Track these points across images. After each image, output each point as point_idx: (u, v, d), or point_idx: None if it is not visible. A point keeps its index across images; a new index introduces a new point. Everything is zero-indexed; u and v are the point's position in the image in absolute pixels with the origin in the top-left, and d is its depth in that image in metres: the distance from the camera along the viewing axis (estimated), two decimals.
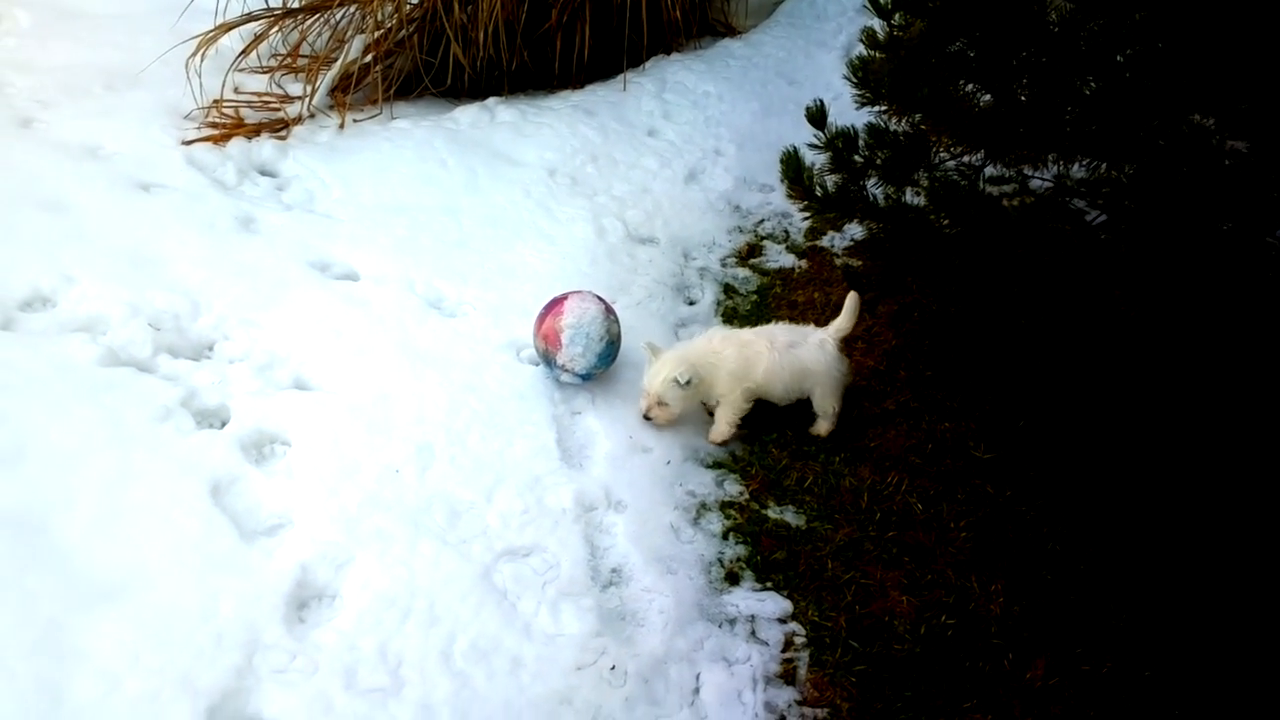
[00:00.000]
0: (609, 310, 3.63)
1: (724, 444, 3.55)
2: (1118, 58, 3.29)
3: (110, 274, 3.63)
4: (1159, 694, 2.79)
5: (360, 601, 2.76)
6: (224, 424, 3.21)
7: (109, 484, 2.90)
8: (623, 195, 4.85)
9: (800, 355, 3.51)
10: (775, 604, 3.01)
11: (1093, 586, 3.08)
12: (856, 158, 3.68)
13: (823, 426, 3.59)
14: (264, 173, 4.56)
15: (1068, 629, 2.95)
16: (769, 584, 3.09)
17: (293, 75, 5.23)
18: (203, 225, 4.02)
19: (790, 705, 2.75)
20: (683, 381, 3.39)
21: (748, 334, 3.61)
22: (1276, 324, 3.10)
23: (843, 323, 3.57)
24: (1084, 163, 3.39)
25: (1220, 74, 3.06)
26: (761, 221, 4.92)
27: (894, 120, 3.64)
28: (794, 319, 4.14)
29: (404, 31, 5.16)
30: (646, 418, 3.50)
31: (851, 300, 3.55)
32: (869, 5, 3.59)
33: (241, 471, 3.04)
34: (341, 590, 2.79)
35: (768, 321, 3.93)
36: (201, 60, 4.85)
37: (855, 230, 4.57)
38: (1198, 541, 3.16)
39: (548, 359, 3.56)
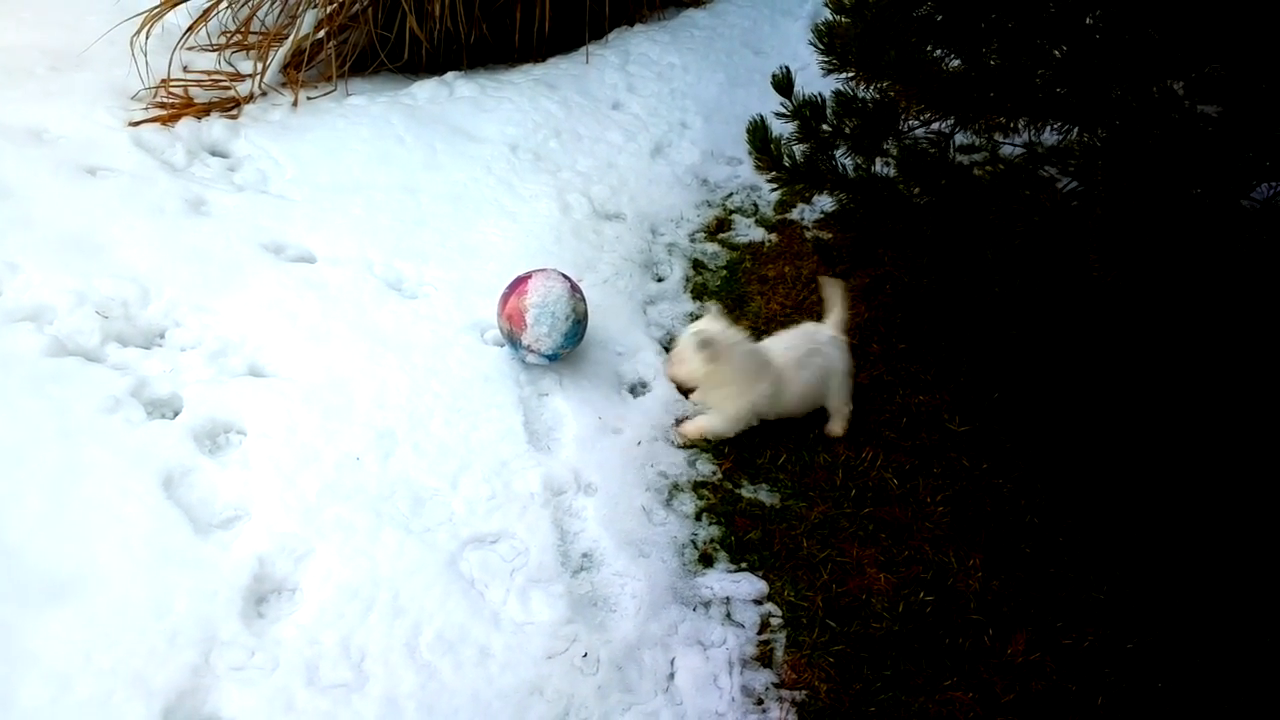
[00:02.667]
0: (575, 288, 3.54)
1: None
2: (1087, 20, 3.23)
3: (56, 261, 3.48)
4: (1142, 666, 2.76)
5: (321, 594, 2.67)
6: (176, 414, 3.09)
7: (56, 478, 2.78)
8: (587, 170, 4.74)
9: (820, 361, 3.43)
10: (750, 585, 2.96)
11: (1072, 558, 3.05)
12: (824, 127, 3.61)
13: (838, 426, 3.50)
14: (215, 153, 4.41)
15: (1048, 602, 2.92)
16: (744, 565, 3.03)
17: (243, 52, 5.07)
18: (151, 208, 3.87)
19: (768, 688, 2.70)
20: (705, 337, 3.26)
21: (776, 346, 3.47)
22: (1251, 287, 3.07)
23: (841, 314, 3.51)
24: (1055, 127, 3.33)
25: (1190, 37, 3.01)
26: (730, 195, 4.84)
27: (861, 87, 3.56)
28: (764, 293, 4.09)
29: (358, 5, 5.02)
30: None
31: (831, 286, 3.49)
32: None
33: (194, 463, 2.92)
34: (301, 583, 2.70)
35: (738, 295, 3.86)
36: (147, 38, 4.68)
37: (825, 202, 4.50)
38: (1177, 509, 3.13)
39: (513, 339, 3.47)
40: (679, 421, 3.49)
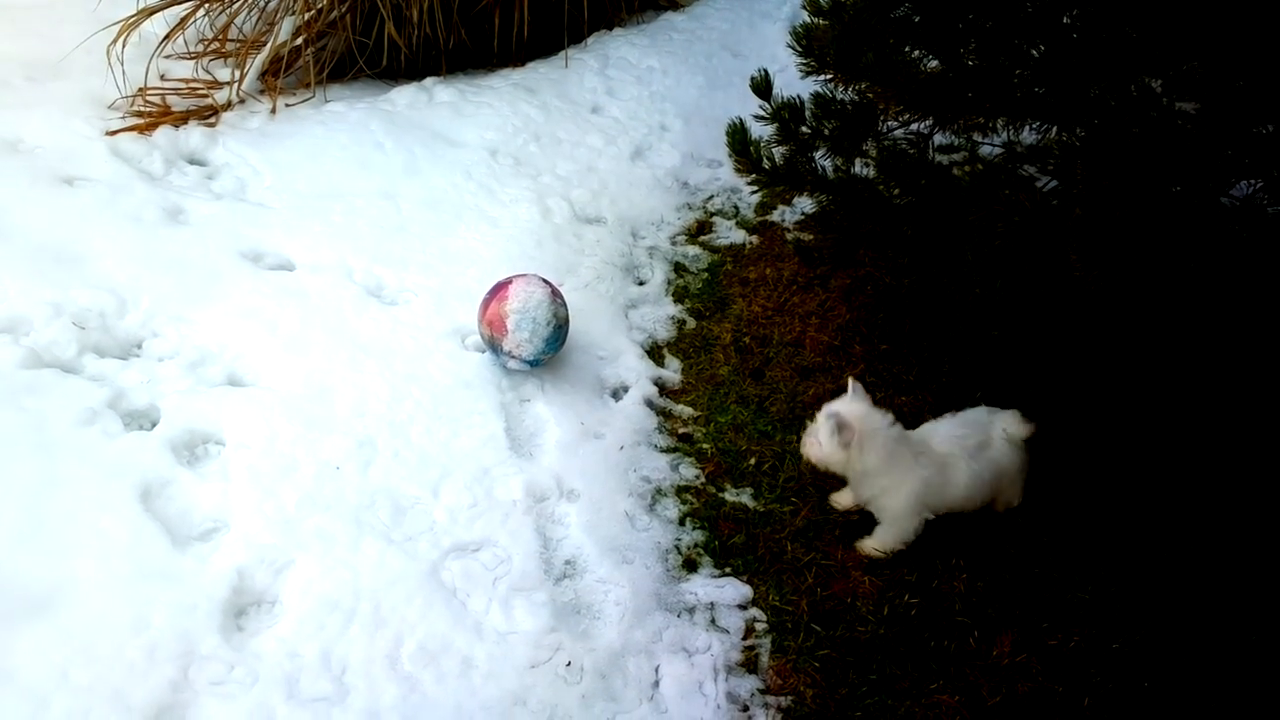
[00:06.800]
0: (556, 293, 3.52)
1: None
2: (1064, 19, 3.23)
3: (32, 272, 3.45)
4: (1128, 666, 2.76)
5: (301, 606, 2.65)
6: (153, 425, 3.06)
7: (32, 492, 2.76)
8: (567, 174, 4.72)
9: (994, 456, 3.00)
10: (735, 590, 2.94)
11: (1056, 559, 3.04)
12: (804, 129, 3.59)
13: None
14: (192, 161, 4.37)
15: (1033, 604, 2.91)
16: (728, 569, 3.02)
17: (221, 60, 5.04)
18: (129, 218, 3.83)
19: (753, 694, 2.68)
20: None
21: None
22: (1231, 283, 3.07)
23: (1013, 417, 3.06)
24: (1034, 126, 3.33)
25: (1168, 35, 3.01)
26: (710, 197, 4.83)
27: (840, 89, 3.55)
28: (746, 296, 4.07)
29: (336, 12, 4.99)
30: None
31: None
32: None
33: (173, 474, 2.90)
34: (281, 595, 2.68)
35: (720, 297, 3.83)
36: (124, 47, 4.65)
37: (805, 204, 4.49)
38: (1162, 507, 3.13)
39: (494, 345, 3.45)
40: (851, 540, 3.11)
